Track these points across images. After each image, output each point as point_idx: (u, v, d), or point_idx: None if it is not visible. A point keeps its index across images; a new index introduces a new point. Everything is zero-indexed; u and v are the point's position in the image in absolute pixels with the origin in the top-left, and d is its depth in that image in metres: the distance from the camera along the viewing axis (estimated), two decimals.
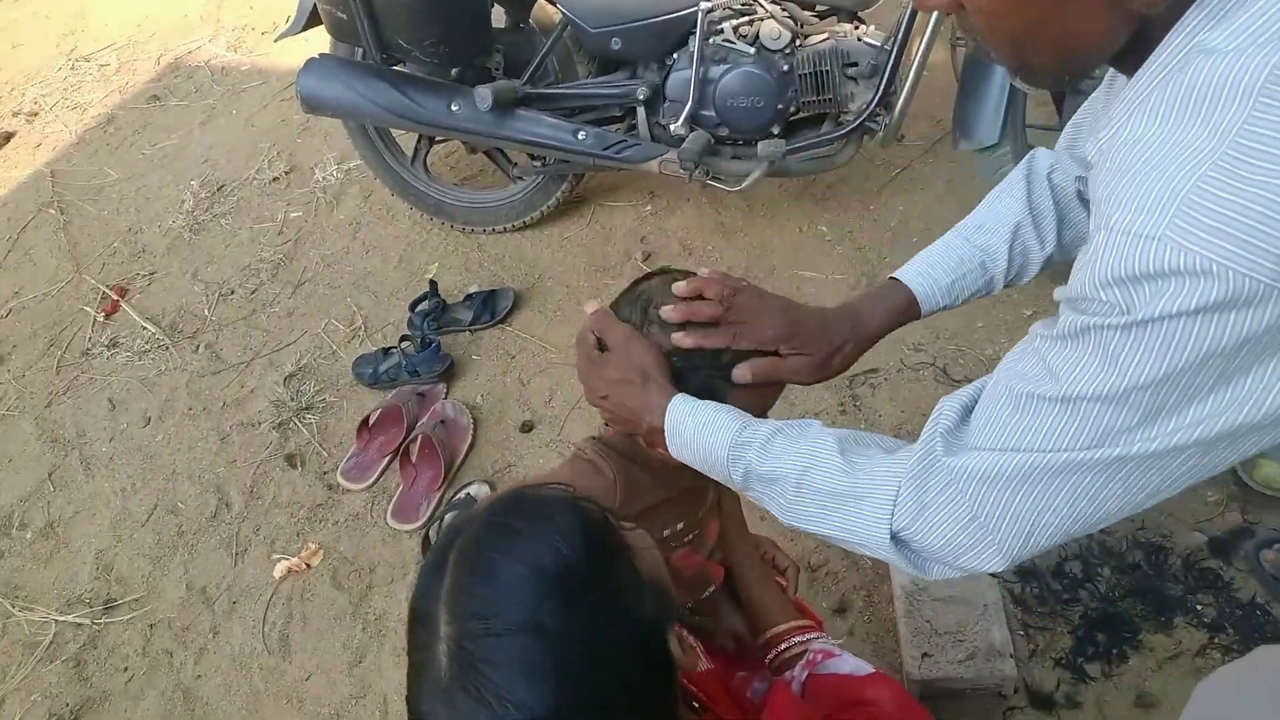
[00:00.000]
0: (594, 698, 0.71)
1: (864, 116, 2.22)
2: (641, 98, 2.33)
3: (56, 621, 2.20)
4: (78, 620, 2.19)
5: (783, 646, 1.21)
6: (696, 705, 1.07)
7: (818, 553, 1.94)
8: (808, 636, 1.22)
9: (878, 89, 2.19)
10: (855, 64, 2.22)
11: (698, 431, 0.92)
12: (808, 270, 2.51)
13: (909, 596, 1.73)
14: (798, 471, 0.88)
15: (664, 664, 0.78)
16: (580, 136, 2.36)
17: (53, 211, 3.40)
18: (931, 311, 1.08)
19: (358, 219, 3.04)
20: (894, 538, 0.83)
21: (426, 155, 2.78)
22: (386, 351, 2.52)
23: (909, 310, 1.07)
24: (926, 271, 1.07)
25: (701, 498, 1.20)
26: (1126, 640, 1.70)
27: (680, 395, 0.95)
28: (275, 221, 3.12)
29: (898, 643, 1.72)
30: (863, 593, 1.86)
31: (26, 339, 2.96)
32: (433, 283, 2.60)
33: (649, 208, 2.78)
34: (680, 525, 1.17)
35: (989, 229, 1.09)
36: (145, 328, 2.85)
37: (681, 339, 0.97)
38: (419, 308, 2.56)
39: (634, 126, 2.41)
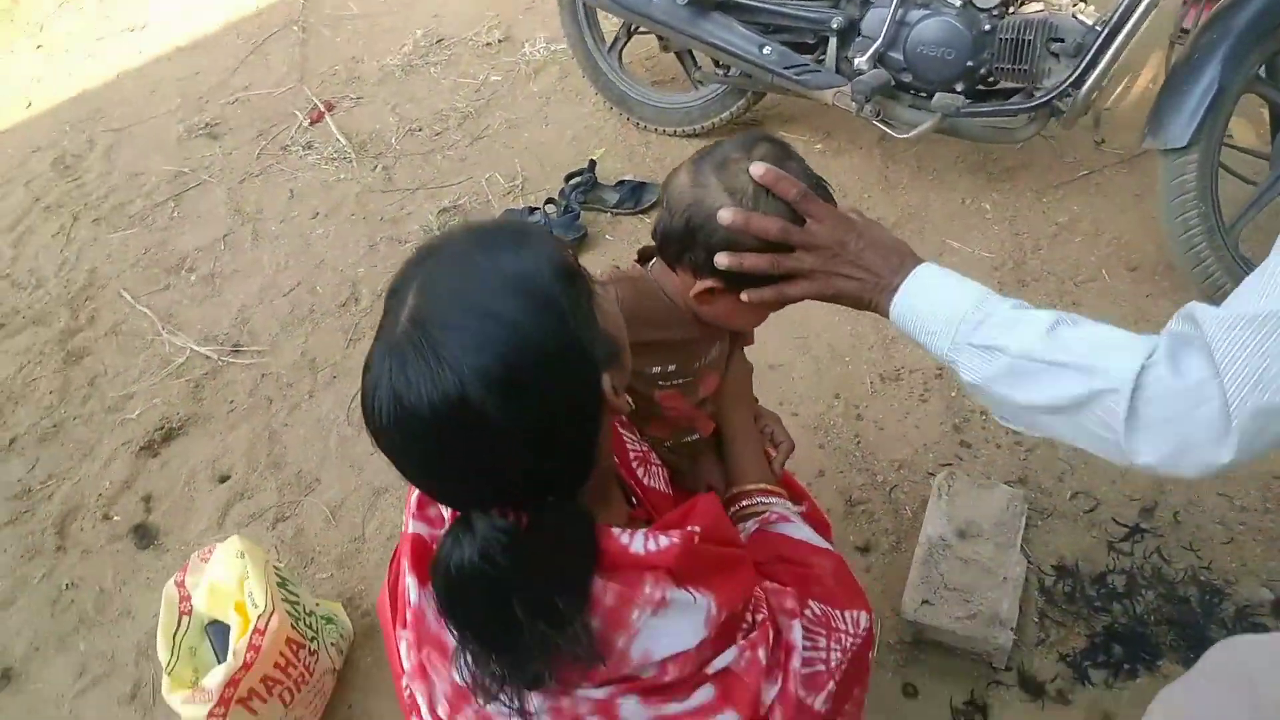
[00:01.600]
0: (524, 391, 0.77)
1: (1053, 94, 2.14)
2: (836, 27, 2.33)
3: (192, 350, 2.51)
4: (208, 354, 2.49)
5: (745, 503, 1.23)
6: (634, 501, 1.12)
7: (861, 490, 1.94)
8: (772, 500, 1.24)
9: (1076, 69, 2.10)
10: (1061, 39, 2.14)
11: (952, 287, 0.95)
12: (956, 241, 2.45)
13: (931, 547, 1.70)
14: (1049, 323, 0.90)
15: (596, 397, 0.84)
16: (765, 51, 2.40)
17: (296, 29, 3.77)
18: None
19: (548, 94, 3.21)
20: (1139, 377, 0.83)
21: (623, 47, 2.89)
22: (532, 210, 2.67)
23: None
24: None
25: (699, 351, 1.21)
26: (1144, 661, 1.62)
27: (935, 264, 0.98)
28: (476, 80, 3.33)
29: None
30: (891, 538, 1.85)
31: (243, 125, 3.32)
32: (592, 162, 2.73)
33: (820, 146, 2.79)
34: (672, 368, 1.19)
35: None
36: (339, 140, 3.14)
37: (721, 259, 1.00)
38: (573, 180, 2.69)
39: (823, 58, 2.43)
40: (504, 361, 0.76)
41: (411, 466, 0.82)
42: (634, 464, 1.14)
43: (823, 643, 1.09)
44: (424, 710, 1.01)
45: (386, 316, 0.80)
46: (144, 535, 2.10)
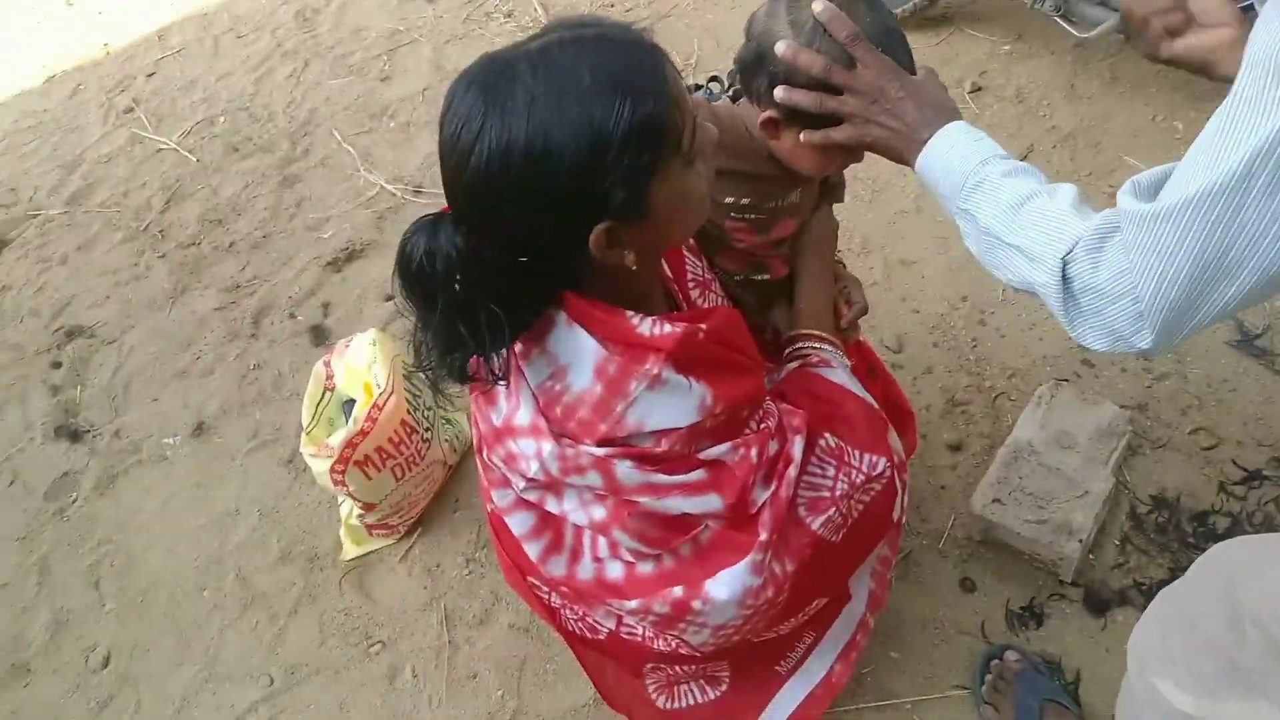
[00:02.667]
0: (519, 174, 0.85)
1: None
2: None
3: (382, 186, 2.80)
4: (394, 191, 2.77)
5: (798, 345, 1.29)
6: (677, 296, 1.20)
7: (965, 391, 1.92)
8: (823, 345, 1.28)
9: None
10: None
11: (962, 144, 0.97)
12: (1135, 158, 2.29)
13: (1017, 449, 1.68)
14: (1023, 195, 0.92)
15: (577, 230, 0.90)
16: None
17: None
18: None
19: None
20: (1064, 270, 0.86)
21: None
22: (697, 86, 2.72)
23: None
24: None
25: (776, 191, 1.24)
26: None
27: (965, 123, 1.00)
28: None
29: None
30: (985, 441, 1.83)
31: None
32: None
33: (1007, 47, 2.65)
34: (745, 200, 1.23)
35: None
36: (536, 9, 3.30)
37: (777, 92, 1.03)
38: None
39: None
40: (515, 145, 0.84)
41: (441, 163, 0.93)
42: (690, 286, 1.22)
43: (830, 471, 1.16)
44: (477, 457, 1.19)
45: (507, 50, 0.90)
46: (319, 334, 2.43)
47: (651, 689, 1.41)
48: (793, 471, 1.11)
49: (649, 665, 1.36)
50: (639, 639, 1.21)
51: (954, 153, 0.97)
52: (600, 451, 1.01)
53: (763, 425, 1.11)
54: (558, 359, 0.99)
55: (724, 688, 1.40)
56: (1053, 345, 1.95)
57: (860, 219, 2.30)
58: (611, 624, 1.21)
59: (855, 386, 1.25)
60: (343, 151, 2.97)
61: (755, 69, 1.09)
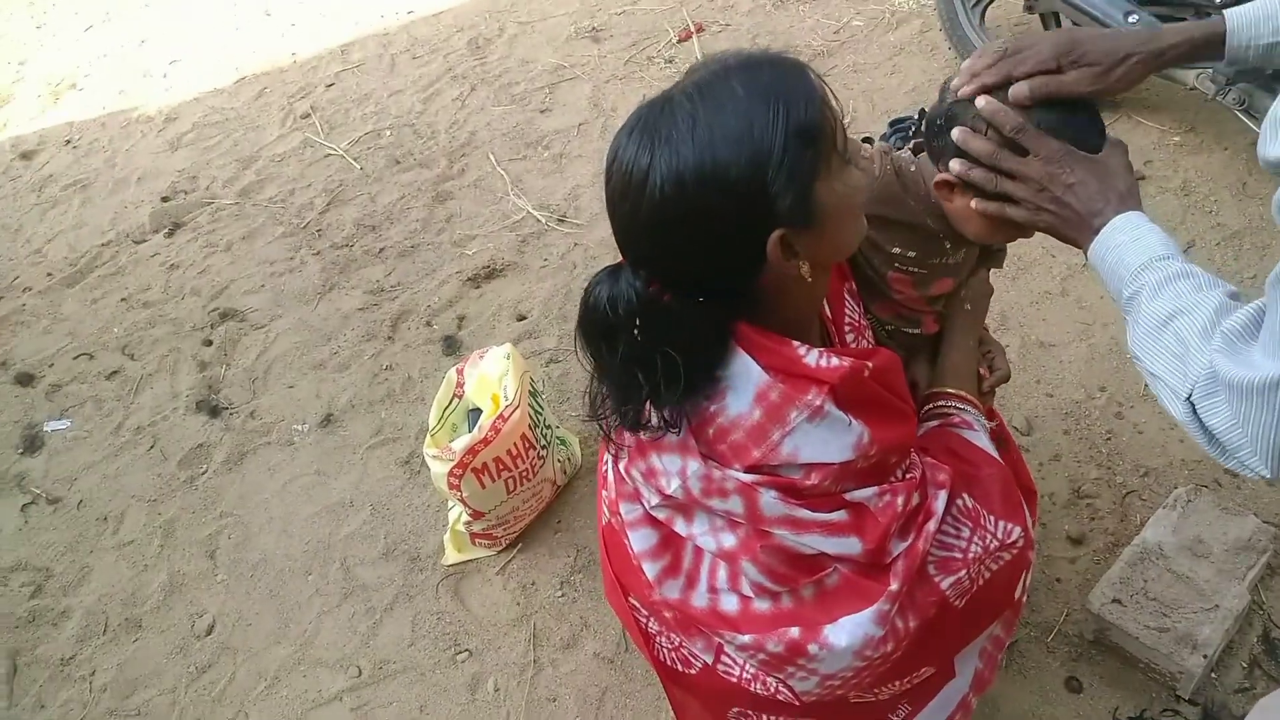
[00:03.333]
0: (689, 197, 0.88)
1: None
2: (1219, 2, 2.12)
3: (529, 211, 2.91)
4: (539, 217, 2.87)
5: (940, 403, 1.27)
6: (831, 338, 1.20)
7: (1093, 484, 1.84)
8: (965, 406, 1.26)
9: None
10: None
11: (1128, 241, 0.96)
12: None
13: (1145, 551, 1.60)
14: (1166, 314, 0.91)
15: (756, 241, 0.91)
16: (1131, 19, 2.24)
17: None
18: (1238, 59, 0.99)
19: (903, 45, 3.20)
20: (1191, 405, 0.88)
21: (989, 5, 2.82)
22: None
23: (1211, 41, 1.00)
24: (1258, 13, 0.98)
25: (941, 249, 1.24)
26: None
27: (1137, 212, 0.99)
28: (838, 22, 3.41)
29: None
30: (1109, 538, 1.74)
31: (621, 33, 3.68)
32: (922, 110, 2.70)
33: (1178, 139, 2.55)
34: (911, 254, 1.23)
35: None
36: (697, 57, 3.38)
37: (966, 89, 1.02)
38: (897, 125, 2.70)
39: None
40: (685, 169, 0.87)
41: (609, 212, 0.96)
42: (846, 329, 1.22)
43: (965, 532, 1.13)
44: (610, 467, 1.21)
45: (662, 93, 0.94)
46: (451, 344, 2.53)
47: None
48: (932, 525, 1.09)
49: (735, 710, 1.34)
50: (735, 678, 1.19)
51: (1116, 254, 0.96)
52: (748, 478, 1.02)
53: (908, 475, 1.09)
54: (718, 381, 1.01)
55: None
56: (1193, 449, 1.84)
57: (1002, 295, 2.24)
58: (709, 658, 1.20)
59: (994, 452, 1.22)
60: (496, 175, 3.10)
61: (941, 130, 1.10)
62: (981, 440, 1.22)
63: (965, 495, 1.15)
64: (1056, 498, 1.83)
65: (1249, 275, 2.17)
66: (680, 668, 1.28)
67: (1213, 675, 1.52)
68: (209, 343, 2.74)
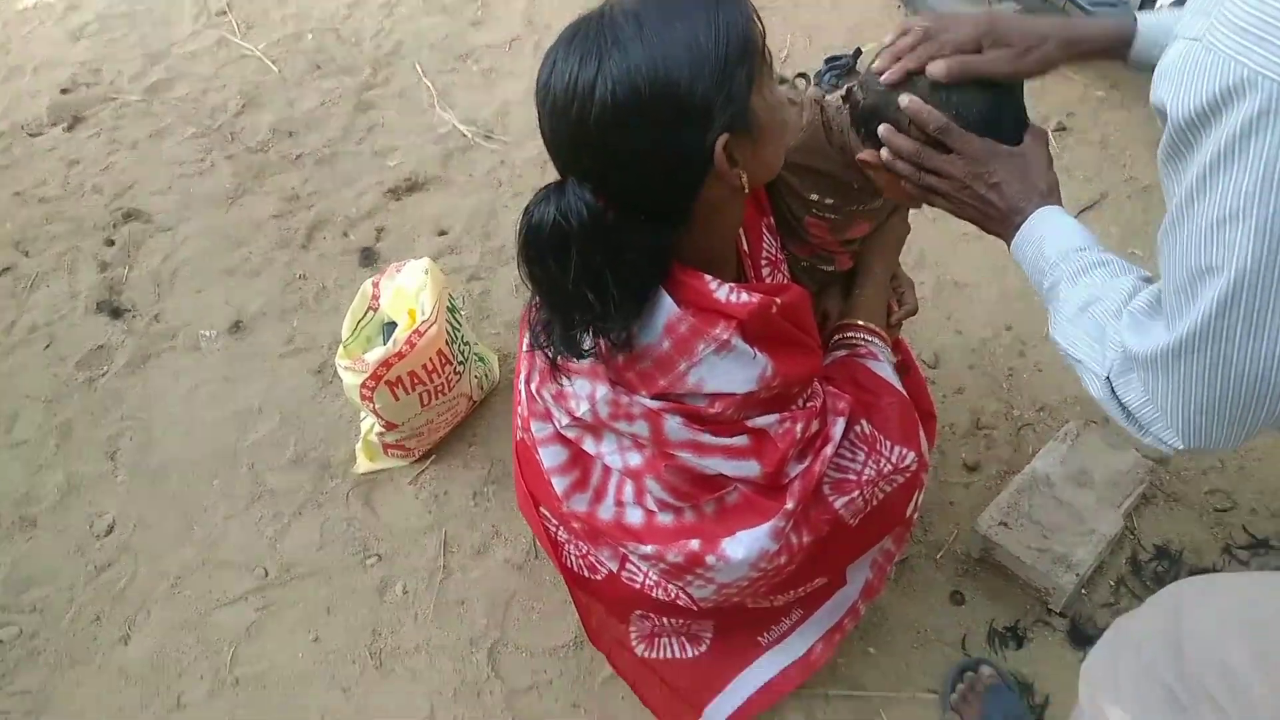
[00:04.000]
0: (640, 103, 0.88)
1: None
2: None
3: (454, 125, 2.84)
4: (465, 131, 2.81)
5: (848, 334, 1.32)
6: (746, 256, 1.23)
7: (991, 416, 1.93)
8: (872, 339, 1.31)
9: None
10: None
11: (1046, 235, 1.00)
12: None
13: (1033, 479, 1.69)
14: (1084, 301, 0.95)
15: (701, 147, 0.93)
16: None
17: None
18: (1141, 62, 1.04)
19: None
20: (1110, 385, 0.91)
21: None
22: (783, 80, 2.73)
23: (1122, 40, 1.04)
24: (1166, 21, 1.03)
25: (859, 197, 1.26)
26: None
27: (1055, 207, 1.03)
28: None
29: None
30: (1002, 466, 1.84)
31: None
32: (858, 50, 2.70)
33: (1100, 93, 2.64)
34: (829, 200, 1.25)
35: None
36: None
37: (889, 75, 1.03)
38: (832, 63, 2.71)
39: None
40: (636, 74, 0.88)
41: (545, 131, 0.96)
42: (763, 263, 1.25)
43: (861, 456, 1.18)
44: (522, 384, 1.21)
45: (591, 10, 0.94)
46: (368, 256, 2.47)
47: (634, 636, 1.43)
48: (829, 450, 1.14)
49: (638, 613, 1.38)
50: (638, 585, 1.23)
51: (1036, 248, 1.00)
52: (653, 404, 1.04)
53: (809, 404, 1.13)
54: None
55: (704, 648, 1.42)
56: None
57: (922, 234, 2.28)
58: (614, 565, 1.24)
59: (896, 382, 1.27)
60: (421, 86, 3.01)
61: (867, 118, 1.10)
62: (885, 371, 1.27)
63: (864, 422, 1.20)
64: (957, 428, 1.91)
65: (1154, 227, 2.26)
66: (587, 574, 1.32)
67: (1083, 592, 1.63)
68: (111, 243, 2.61)
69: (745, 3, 0.94)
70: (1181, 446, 0.86)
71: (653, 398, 1.05)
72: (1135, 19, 1.05)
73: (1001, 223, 1.05)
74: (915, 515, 1.34)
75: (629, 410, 1.07)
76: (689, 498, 1.15)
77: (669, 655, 1.43)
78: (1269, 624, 0.88)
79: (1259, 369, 0.76)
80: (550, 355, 1.04)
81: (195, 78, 3.18)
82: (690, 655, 1.43)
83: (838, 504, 1.18)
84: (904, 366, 1.58)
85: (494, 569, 1.78)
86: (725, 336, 1.01)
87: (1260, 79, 0.65)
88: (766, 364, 1.05)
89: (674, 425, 1.07)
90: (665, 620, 1.40)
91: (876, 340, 1.32)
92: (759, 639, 1.42)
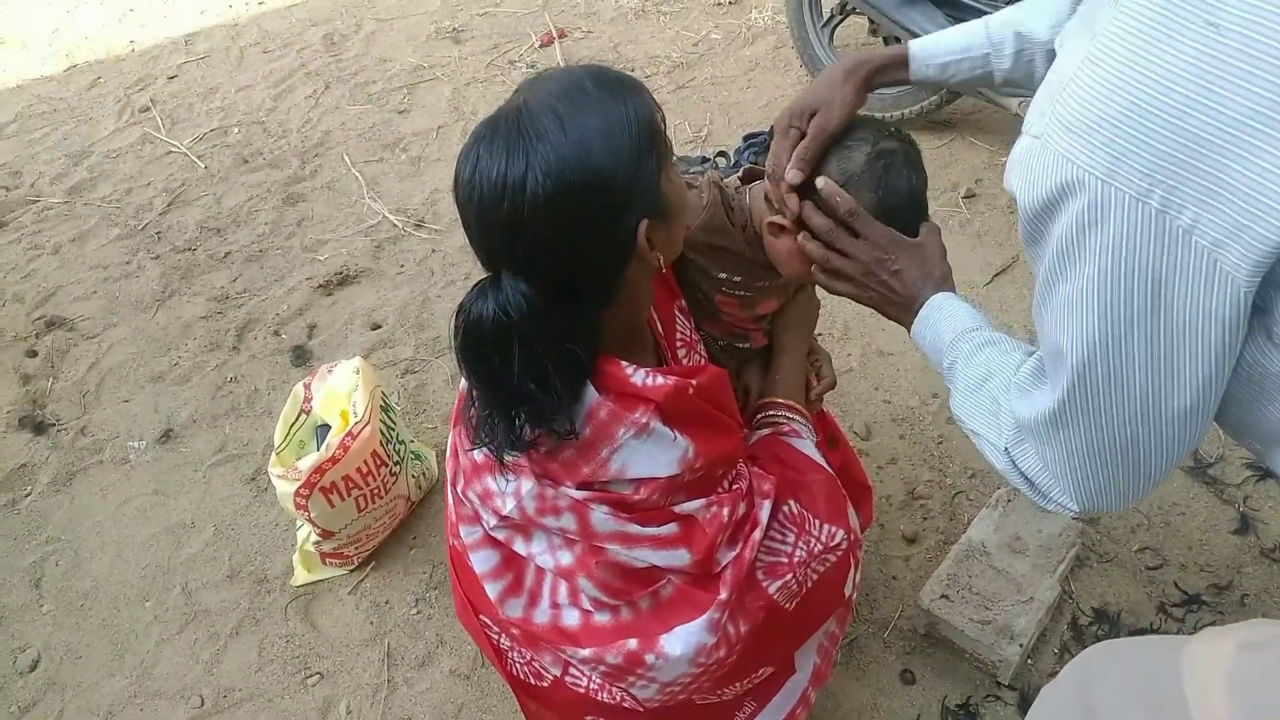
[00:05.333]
0: (568, 195, 0.90)
1: None
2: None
3: (385, 216, 2.84)
4: (396, 222, 2.81)
5: (770, 412, 1.33)
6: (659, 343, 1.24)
7: (926, 486, 1.96)
8: (794, 416, 1.32)
9: None
10: None
11: (942, 319, 1.06)
12: None
13: (970, 549, 1.71)
14: (979, 378, 1.00)
15: (626, 233, 0.95)
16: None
17: None
18: (921, 77, 1.16)
19: (758, 61, 3.31)
20: (1009, 455, 0.94)
21: (836, 25, 2.95)
22: (704, 160, 2.80)
23: (899, 63, 1.16)
24: (933, 43, 1.15)
25: (765, 274, 1.28)
26: None
27: (949, 293, 1.09)
28: (698, 34, 3.49)
29: None
30: (940, 537, 1.86)
31: (483, 35, 3.65)
32: (772, 129, 2.81)
33: (1005, 158, 2.73)
34: (737, 279, 1.28)
35: (1009, 24, 1.12)
36: (559, 63, 3.39)
37: (791, 178, 1.10)
38: (750, 140, 2.79)
39: None
40: (564, 167, 0.89)
41: (471, 227, 0.96)
42: (679, 344, 1.26)
43: (790, 538, 1.19)
44: (448, 490, 1.20)
45: (501, 108, 0.95)
46: (300, 355, 2.44)
47: None
48: (758, 535, 1.14)
49: (588, 718, 1.36)
50: (583, 689, 1.21)
51: (934, 330, 1.05)
52: (579, 494, 1.04)
53: (734, 486, 1.14)
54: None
55: None
56: None
57: (844, 306, 2.35)
58: (558, 671, 1.22)
59: (820, 458, 1.28)
60: (350, 177, 3.02)
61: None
62: (808, 448, 1.28)
63: (791, 501, 1.21)
64: (893, 499, 1.93)
65: None
66: (533, 681, 1.30)
67: (1029, 662, 1.65)
68: (33, 354, 2.55)
69: (646, 90, 0.98)
70: (1077, 509, 0.90)
71: (577, 487, 1.05)
72: (907, 45, 1.16)
73: (902, 308, 1.10)
74: (854, 595, 1.34)
75: (555, 503, 1.06)
76: (622, 594, 1.14)
77: None
78: (1165, 692, 0.90)
79: (1127, 431, 0.81)
80: (495, 451, 1.03)
81: (119, 177, 3.15)
82: None
83: (771, 589, 1.18)
84: (832, 440, 1.61)
85: (440, 681, 1.74)
86: (644, 420, 1.02)
87: (1087, 177, 0.70)
88: (688, 446, 1.05)
89: (600, 516, 1.06)
90: None
91: (798, 417, 1.34)
92: None
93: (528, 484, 1.05)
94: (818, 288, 1.43)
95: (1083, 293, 0.75)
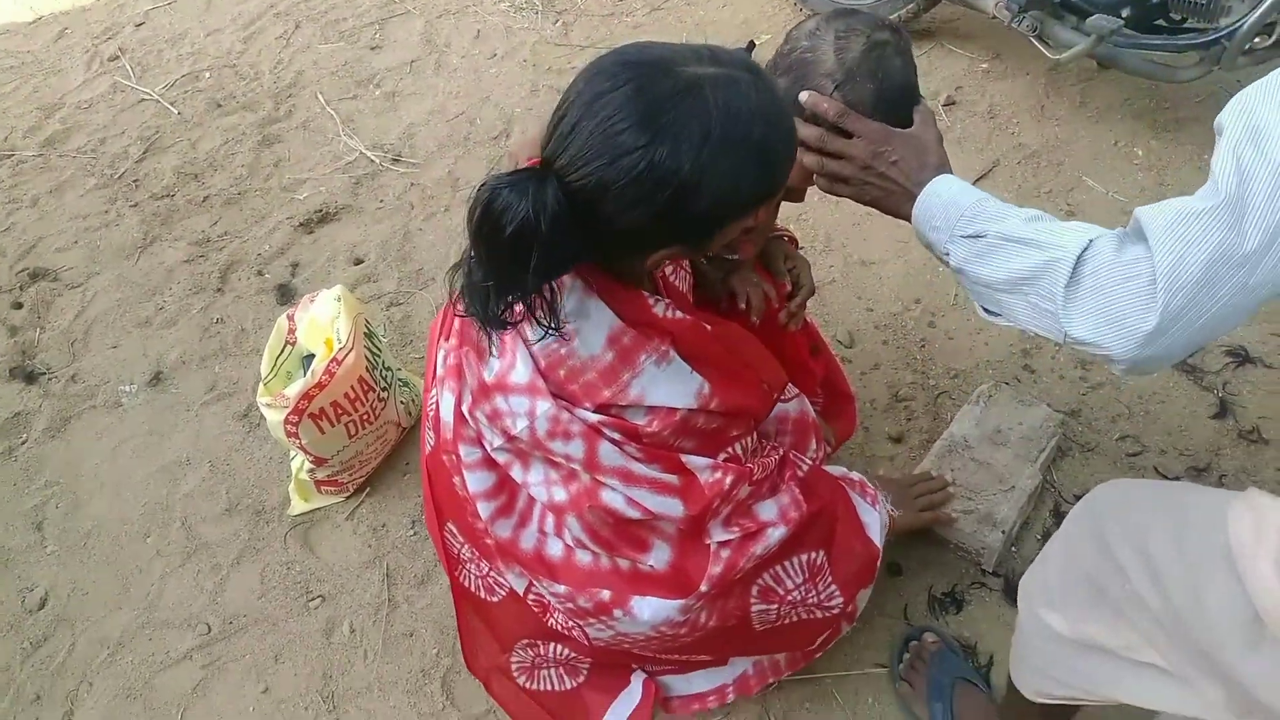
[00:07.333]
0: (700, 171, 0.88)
1: (1222, 34, 2.00)
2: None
3: (361, 152, 2.82)
4: (373, 157, 2.79)
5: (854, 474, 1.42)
6: (657, 292, 1.25)
7: (909, 388, 1.98)
8: (877, 486, 1.44)
9: (1255, 7, 1.95)
10: None
11: (959, 191, 1.03)
12: (1094, 180, 2.36)
13: (952, 443, 1.74)
14: (1031, 216, 0.98)
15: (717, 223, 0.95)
16: None
17: None
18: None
19: None
20: (1082, 251, 0.90)
21: None
22: None
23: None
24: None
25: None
26: None
27: (949, 175, 1.07)
28: None
29: None
30: (924, 436, 1.88)
31: None
32: (751, 43, 2.73)
33: (985, 65, 2.71)
34: None
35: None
36: None
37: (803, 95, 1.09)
38: None
39: None
40: (680, 175, 0.87)
41: (575, 123, 0.90)
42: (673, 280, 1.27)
43: (799, 580, 1.27)
44: (447, 408, 1.20)
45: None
46: (285, 293, 2.44)
47: (515, 666, 1.47)
48: (757, 549, 1.18)
49: (524, 641, 1.41)
50: (538, 610, 1.26)
51: (946, 197, 1.04)
52: (594, 418, 1.05)
53: (748, 463, 1.17)
54: (565, 324, 1.02)
55: (581, 679, 1.48)
56: (997, 350, 2.01)
57: (825, 218, 2.35)
58: (521, 586, 1.26)
59: (878, 533, 1.34)
60: (325, 115, 2.98)
61: (780, 74, 1.14)
62: (871, 517, 1.34)
63: (821, 553, 1.26)
64: (877, 403, 1.96)
65: (1045, 190, 2.35)
66: (484, 594, 1.34)
67: (1013, 549, 1.68)
68: (19, 305, 2.55)
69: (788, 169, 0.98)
70: (1153, 316, 0.85)
71: (596, 409, 1.06)
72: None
73: (903, 197, 1.09)
74: (819, 653, 1.41)
75: (568, 427, 1.07)
76: (606, 545, 1.17)
77: (548, 687, 1.47)
78: (1183, 516, 0.93)
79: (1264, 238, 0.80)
80: (483, 323, 0.99)
81: (93, 127, 3.11)
82: (568, 686, 1.48)
83: (754, 607, 1.24)
84: (815, 348, 1.63)
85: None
86: (664, 348, 1.05)
87: None
88: (703, 383, 1.07)
89: (608, 449, 1.08)
90: (548, 650, 1.43)
91: (874, 484, 1.42)
92: (633, 668, 1.48)
93: (544, 404, 1.06)
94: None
95: None
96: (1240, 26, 1.98)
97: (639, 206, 0.89)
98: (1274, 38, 2.01)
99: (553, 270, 0.94)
